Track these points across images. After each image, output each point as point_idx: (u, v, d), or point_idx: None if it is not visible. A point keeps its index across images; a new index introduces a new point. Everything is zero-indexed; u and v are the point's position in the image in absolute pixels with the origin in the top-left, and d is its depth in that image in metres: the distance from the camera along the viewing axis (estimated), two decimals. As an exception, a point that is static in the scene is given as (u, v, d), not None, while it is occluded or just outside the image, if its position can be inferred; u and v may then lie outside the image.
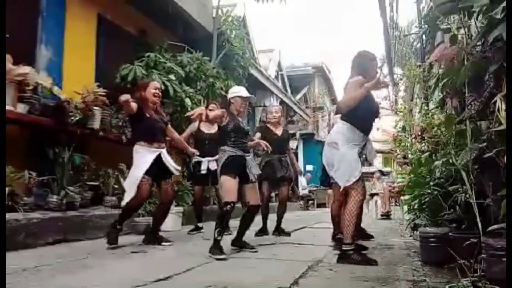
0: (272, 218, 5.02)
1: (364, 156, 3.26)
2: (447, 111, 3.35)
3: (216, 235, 3.32)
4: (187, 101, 5.74)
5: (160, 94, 4.09)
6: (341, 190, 3.20)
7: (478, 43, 2.40)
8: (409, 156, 6.33)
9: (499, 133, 2.03)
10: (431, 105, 4.88)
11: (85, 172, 4.78)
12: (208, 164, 4.93)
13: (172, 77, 5.67)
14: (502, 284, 1.74)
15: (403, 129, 7.23)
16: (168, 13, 6.28)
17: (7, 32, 3.05)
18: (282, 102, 14.20)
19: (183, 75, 5.87)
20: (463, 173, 2.46)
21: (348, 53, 3.66)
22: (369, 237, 4.57)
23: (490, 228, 1.89)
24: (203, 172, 4.97)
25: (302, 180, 14.73)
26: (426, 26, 3.05)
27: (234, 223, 3.99)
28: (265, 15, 51.83)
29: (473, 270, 2.01)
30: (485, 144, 2.25)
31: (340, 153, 3.12)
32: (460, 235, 2.56)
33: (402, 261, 3.11)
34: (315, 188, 14.89)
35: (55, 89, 4.48)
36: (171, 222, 5.07)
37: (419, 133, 4.71)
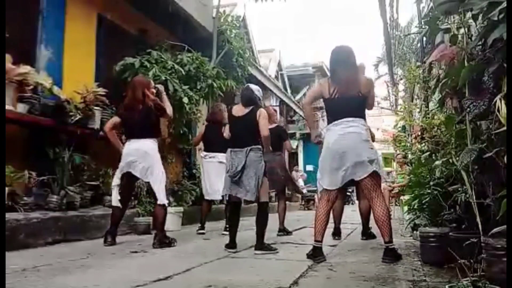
0: (275, 217, 5.05)
1: None
2: (447, 111, 3.36)
3: None
4: (185, 100, 5.74)
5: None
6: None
7: (479, 43, 2.41)
8: (409, 156, 6.33)
9: (499, 133, 2.03)
10: (431, 105, 4.88)
11: (85, 172, 4.77)
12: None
13: (173, 74, 5.68)
14: (502, 284, 1.74)
15: (403, 129, 7.23)
16: (168, 13, 6.27)
17: (7, 32, 3.05)
18: (282, 102, 14.22)
19: (183, 73, 5.87)
20: (463, 173, 2.46)
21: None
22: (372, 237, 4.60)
23: (493, 231, 1.88)
24: None
25: (299, 181, 14.73)
26: (426, 27, 3.04)
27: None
28: (265, 15, 51.88)
29: (473, 270, 2.01)
30: (485, 144, 2.25)
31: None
32: (460, 235, 2.56)
33: (402, 261, 3.10)
34: (315, 188, 14.86)
35: (55, 89, 4.47)
36: (171, 222, 5.07)
37: (419, 133, 4.71)
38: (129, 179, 4.02)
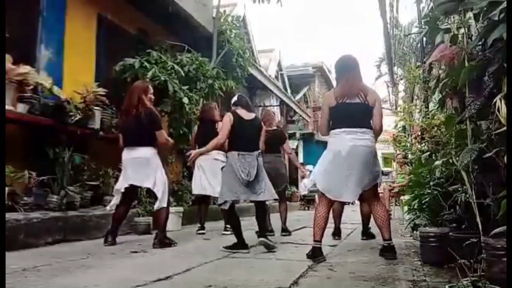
0: (275, 217, 5.05)
1: None
2: (447, 111, 3.36)
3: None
4: (185, 100, 5.75)
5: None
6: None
7: (479, 43, 2.40)
8: (409, 156, 6.34)
9: (499, 133, 2.03)
10: (431, 106, 4.88)
11: (85, 172, 4.77)
12: None
13: (172, 75, 5.69)
14: (502, 284, 1.74)
15: (403, 129, 7.24)
16: (168, 13, 6.28)
17: (7, 32, 3.05)
18: (282, 102, 14.20)
19: (183, 74, 5.88)
20: (463, 173, 2.46)
21: (348, 53, 3.63)
22: (372, 236, 4.60)
23: (494, 232, 1.89)
24: None
25: (304, 180, 14.69)
26: (426, 27, 3.04)
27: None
28: (265, 15, 51.87)
29: (473, 270, 2.01)
30: (485, 144, 2.25)
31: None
32: (460, 235, 2.56)
33: (402, 261, 3.11)
34: (316, 188, 14.79)
35: (55, 89, 4.47)
36: (171, 222, 5.06)
37: (419, 133, 4.71)
38: (130, 187, 3.98)
